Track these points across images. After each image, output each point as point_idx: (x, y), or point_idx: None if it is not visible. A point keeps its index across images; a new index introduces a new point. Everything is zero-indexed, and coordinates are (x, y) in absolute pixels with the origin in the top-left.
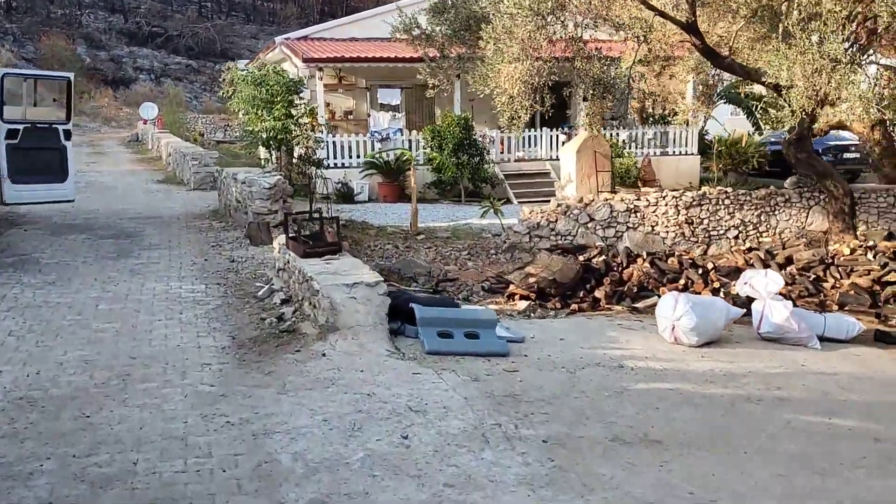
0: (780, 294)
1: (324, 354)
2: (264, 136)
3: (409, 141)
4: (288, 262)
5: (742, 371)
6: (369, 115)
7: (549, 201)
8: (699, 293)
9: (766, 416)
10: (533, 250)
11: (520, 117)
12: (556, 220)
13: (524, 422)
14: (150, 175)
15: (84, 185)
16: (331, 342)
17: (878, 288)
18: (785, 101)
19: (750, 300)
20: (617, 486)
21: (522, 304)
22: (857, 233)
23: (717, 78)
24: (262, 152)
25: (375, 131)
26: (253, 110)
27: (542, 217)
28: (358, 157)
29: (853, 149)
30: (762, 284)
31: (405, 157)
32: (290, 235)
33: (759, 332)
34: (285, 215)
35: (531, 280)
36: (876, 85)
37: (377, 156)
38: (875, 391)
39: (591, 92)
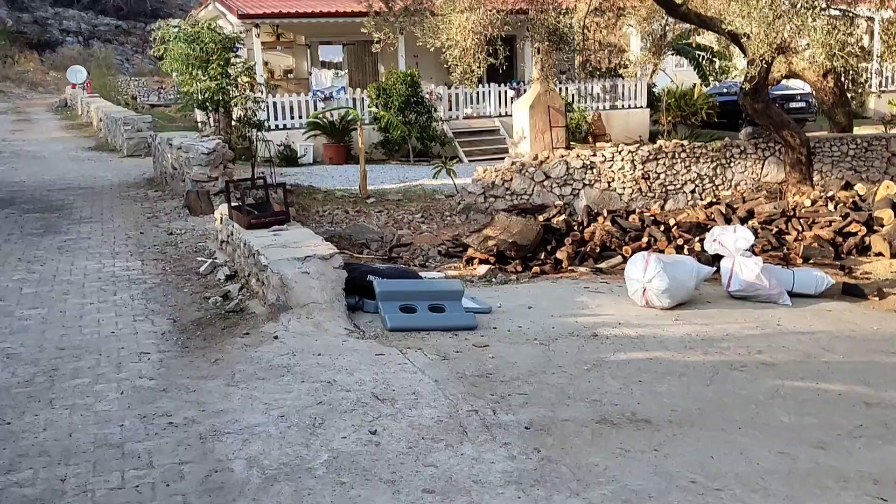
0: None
1: (276, 337)
2: (200, 97)
3: (354, 100)
4: (232, 234)
5: (719, 334)
6: (311, 74)
7: (499, 159)
8: (663, 251)
9: (753, 384)
10: (489, 211)
11: (472, 71)
12: (512, 179)
13: (502, 405)
14: (80, 142)
15: (8, 154)
16: (283, 323)
17: (840, 239)
18: (741, 49)
19: (718, 257)
20: (613, 477)
21: (482, 269)
22: (814, 183)
23: (667, 29)
24: (199, 115)
25: (318, 90)
26: (187, 70)
27: (496, 176)
28: (300, 117)
29: (798, 98)
30: (731, 241)
31: (351, 117)
32: (233, 205)
33: (729, 291)
34: (226, 182)
35: (490, 243)
36: (836, 30)
37: (321, 116)
38: (856, 351)
39: (546, 43)
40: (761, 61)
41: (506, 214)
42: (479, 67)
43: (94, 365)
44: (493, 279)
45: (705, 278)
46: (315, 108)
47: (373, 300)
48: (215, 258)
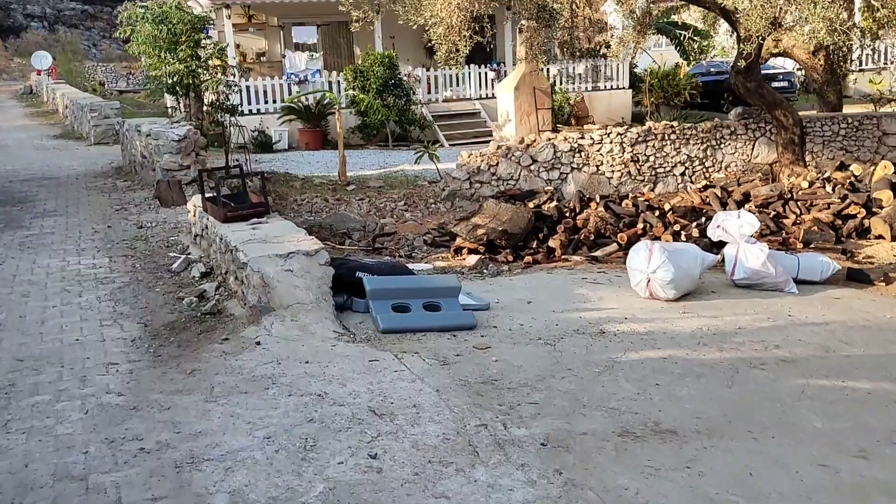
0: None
1: (258, 343)
2: (169, 81)
3: (330, 83)
4: (206, 227)
5: (731, 328)
6: (284, 56)
7: (481, 142)
8: (659, 237)
9: (776, 384)
10: (475, 198)
11: (458, 50)
12: (497, 164)
13: (513, 417)
14: (46, 130)
15: None
16: (265, 326)
17: (839, 222)
18: (732, 26)
19: (720, 244)
20: (647, 502)
21: (472, 259)
22: (806, 164)
23: (651, 6)
24: (169, 100)
25: (292, 73)
26: (155, 52)
27: (481, 160)
28: (274, 102)
29: (780, 77)
30: (735, 227)
31: (327, 101)
32: (207, 196)
33: (734, 279)
34: (199, 171)
35: (479, 232)
36: (835, 3)
37: (296, 100)
38: (874, 343)
39: (536, 20)
40: (757, 38)
41: (495, 201)
42: (465, 46)
43: (56, 379)
44: (485, 270)
45: (709, 267)
46: (290, 92)
47: (362, 299)
48: (189, 254)
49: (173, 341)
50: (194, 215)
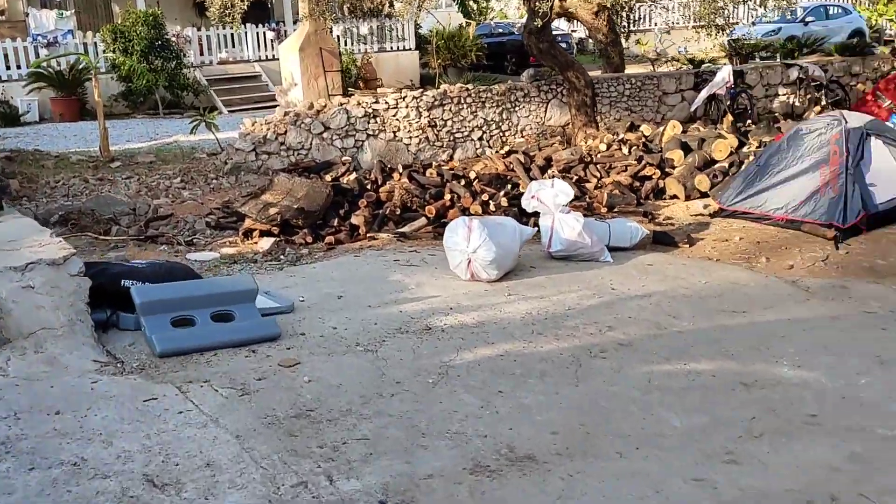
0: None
1: None
2: None
3: (85, 45)
4: None
5: (560, 309)
6: (28, 15)
7: (265, 108)
8: (468, 208)
9: (621, 375)
10: (263, 171)
11: (234, 5)
12: (286, 132)
13: (339, 464)
14: None
15: None
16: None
17: (637, 184)
18: None
19: (533, 214)
20: None
21: (266, 243)
22: (598, 125)
23: None
24: None
25: (39, 35)
26: None
27: (267, 129)
28: (19, 67)
29: (559, 39)
30: (550, 197)
31: (83, 65)
32: None
33: (550, 251)
34: None
35: (272, 211)
36: None
37: (45, 65)
38: (700, 314)
39: None
40: None
41: (287, 175)
42: (243, 2)
43: None
44: (282, 255)
45: (527, 240)
46: (37, 56)
47: (132, 313)
48: None
49: None
50: None
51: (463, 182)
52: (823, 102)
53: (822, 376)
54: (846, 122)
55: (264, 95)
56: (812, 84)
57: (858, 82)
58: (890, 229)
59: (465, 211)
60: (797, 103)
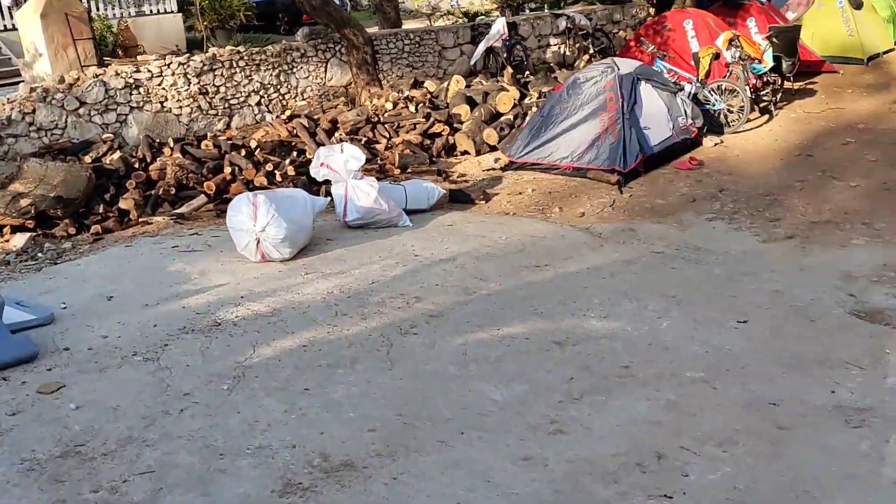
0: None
1: None
2: None
3: None
4: None
5: (363, 284)
6: None
7: (7, 84)
8: (252, 181)
9: (435, 351)
10: (12, 157)
11: None
12: (35, 111)
13: None
14: None
15: None
16: None
17: (428, 142)
18: None
19: (325, 182)
20: None
21: (19, 240)
22: (381, 83)
23: None
24: None
25: None
26: None
27: (12, 109)
28: None
29: None
30: (341, 163)
31: None
32: None
33: (347, 221)
34: None
35: (24, 203)
36: None
37: None
38: (505, 272)
39: None
40: None
41: (39, 160)
42: None
43: None
44: (40, 253)
45: (320, 211)
46: None
47: None
48: None
49: None
50: None
51: (244, 152)
52: (591, 51)
53: (628, 324)
54: (618, 68)
55: (7, 70)
56: (580, 33)
57: (620, 29)
58: (665, 169)
59: (249, 184)
60: (568, 53)
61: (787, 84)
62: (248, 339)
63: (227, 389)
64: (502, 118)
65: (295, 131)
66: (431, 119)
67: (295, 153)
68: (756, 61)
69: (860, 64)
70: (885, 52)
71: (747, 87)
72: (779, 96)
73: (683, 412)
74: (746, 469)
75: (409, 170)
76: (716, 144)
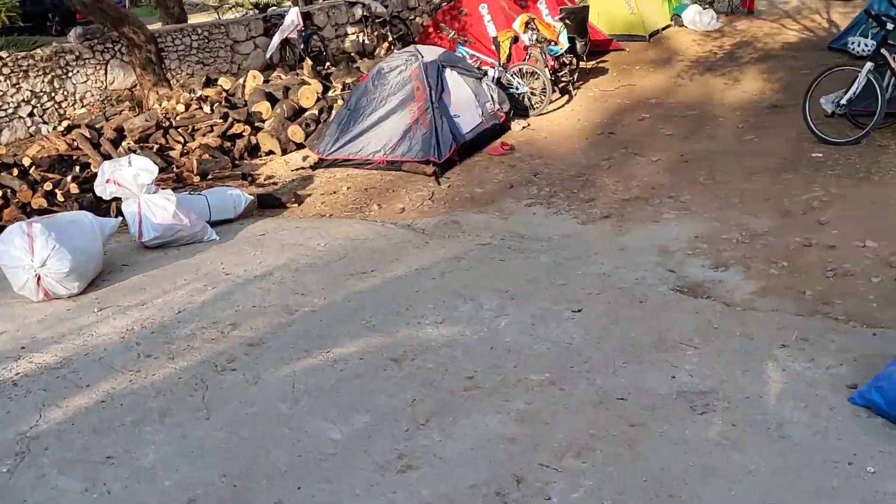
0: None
1: None
2: None
3: None
4: None
5: (168, 315)
6: None
7: None
8: (29, 203)
9: (260, 388)
10: None
11: None
12: None
13: None
14: None
15: None
16: None
17: (228, 144)
18: None
19: (114, 200)
20: None
21: None
22: (170, 83)
23: None
24: None
25: None
26: None
27: None
28: None
29: None
30: (130, 178)
31: None
32: None
33: (143, 242)
34: None
35: None
36: None
37: None
38: (328, 285)
39: None
40: None
41: None
42: None
43: None
44: None
45: (111, 234)
46: None
47: None
48: None
49: None
50: None
51: (16, 172)
52: (390, 38)
53: (466, 328)
54: (422, 56)
55: None
56: (377, 21)
57: (416, 15)
58: (479, 156)
59: (25, 208)
60: (367, 41)
61: (581, 64)
62: (32, 401)
63: (8, 472)
64: (307, 113)
65: (76, 143)
66: (230, 119)
67: (78, 168)
68: (552, 43)
69: (643, 41)
70: (664, 28)
71: (546, 69)
72: (576, 76)
73: (536, 421)
74: (608, 480)
75: (210, 176)
76: (523, 128)
